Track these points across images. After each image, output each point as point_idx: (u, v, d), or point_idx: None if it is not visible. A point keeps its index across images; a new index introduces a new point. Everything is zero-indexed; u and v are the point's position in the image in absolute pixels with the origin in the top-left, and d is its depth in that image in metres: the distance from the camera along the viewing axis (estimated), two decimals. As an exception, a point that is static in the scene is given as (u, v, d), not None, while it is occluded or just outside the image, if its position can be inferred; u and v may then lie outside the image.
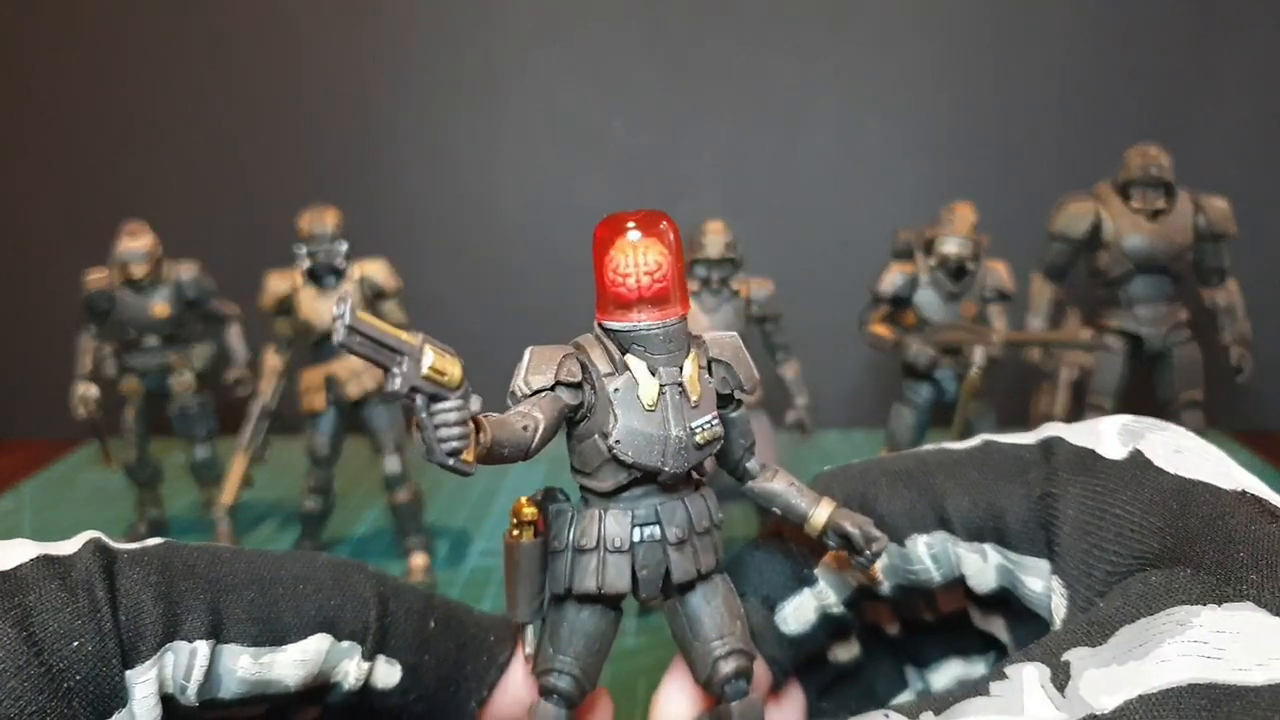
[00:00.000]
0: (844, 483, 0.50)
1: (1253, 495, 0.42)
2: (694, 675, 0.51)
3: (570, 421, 0.50)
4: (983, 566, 0.47)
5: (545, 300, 1.65)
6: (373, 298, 1.15)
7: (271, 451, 1.21)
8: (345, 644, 0.46)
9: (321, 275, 1.13)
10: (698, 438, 0.49)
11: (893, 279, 1.09)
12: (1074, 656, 0.39)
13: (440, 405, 0.42)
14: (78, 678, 0.39)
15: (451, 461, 0.41)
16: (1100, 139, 1.51)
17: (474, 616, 0.52)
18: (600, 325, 0.51)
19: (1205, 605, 0.37)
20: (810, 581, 0.49)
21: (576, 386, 0.49)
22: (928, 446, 0.51)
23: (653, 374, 0.49)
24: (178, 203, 1.61)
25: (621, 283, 0.50)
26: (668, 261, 0.51)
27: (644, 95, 1.59)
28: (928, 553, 0.48)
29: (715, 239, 0.99)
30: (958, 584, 0.49)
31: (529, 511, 0.51)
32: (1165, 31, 1.53)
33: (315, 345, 1.14)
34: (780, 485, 0.53)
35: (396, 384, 0.41)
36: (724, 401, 0.52)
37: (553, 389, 0.48)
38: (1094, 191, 1.20)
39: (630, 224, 0.51)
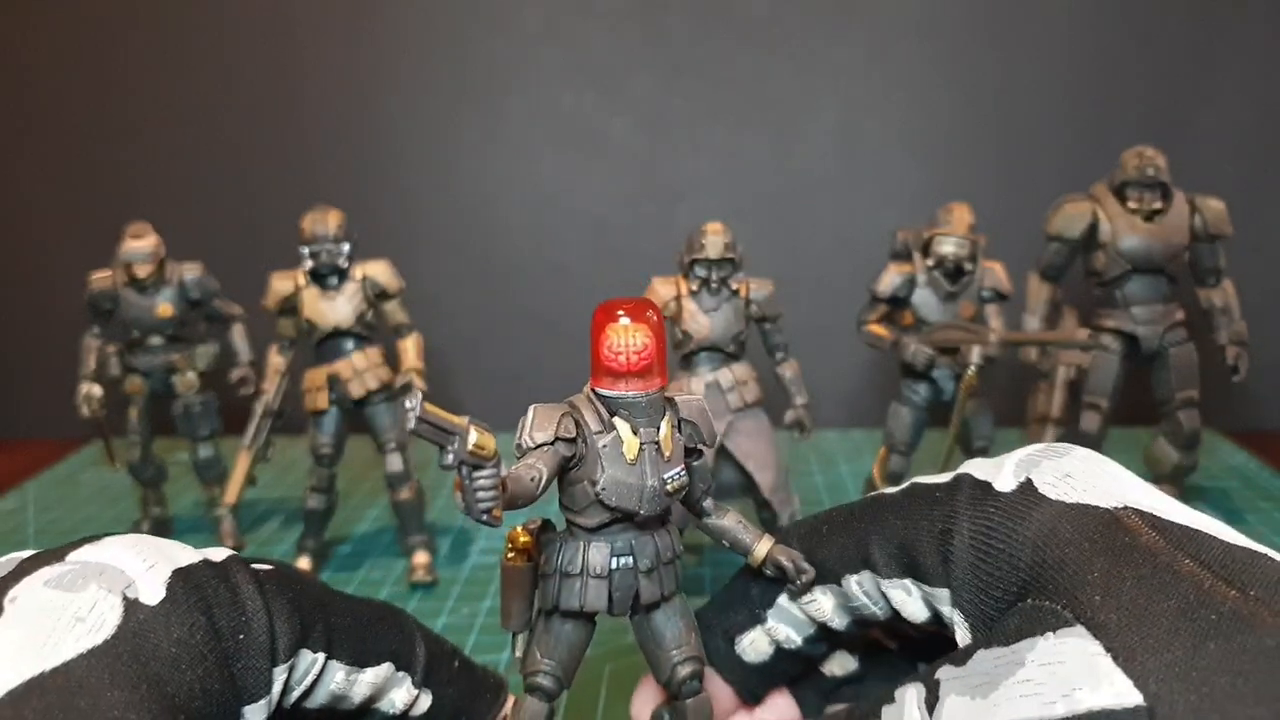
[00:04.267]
0: (800, 533, 0.57)
1: (1134, 510, 0.42)
2: (656, 677, 0.63)
3: (564, 469, 0.59)
4: (907, 599, 0.50)
5: (546, 301, 1.66)
6: (375, 298, 1.16)
7: (274, 450, 1.22)
8: (400, 674, 0.55)
9: (324, 276, 1.14)
10: (668, 486, 0.60)
11: (891, 279, 1.10)
12: (943, 676, 0.41)
13: (479, 474, 0.52)
14: (239, 665, 0.46)
15: (485, 518, 0.51)
16: (1096, 140, 1.52)
17: (479, 665, 0.63)
18: (594, 390, 0.61)
19: (1043, 635, 0.38)
20: (762, 620, 0.56)
21: (572, 441, 0.59)
22: (868, 495, 0.57)
23: (635, 433, 0.60)
24: (182, 204, 1.62)
25: (614, 358, 0.60)
26: (653, 343, 0.60)
27: (645, 98, 1.60)
28: (860, 590, 0.52)
29: (715, 239, 1.00)
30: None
31: (524, 540, 0.62)
32: (1161, 34, 1.54)
33: (318, 345, 1.15)
34: (730, 522, 0.65)
35: (449, 459, 0.51)
36: (689, 454, 0.63)
37: (553, 443, 0.58)
38: (1090, 192, 1.20)
39: (623, 311, 0.60)
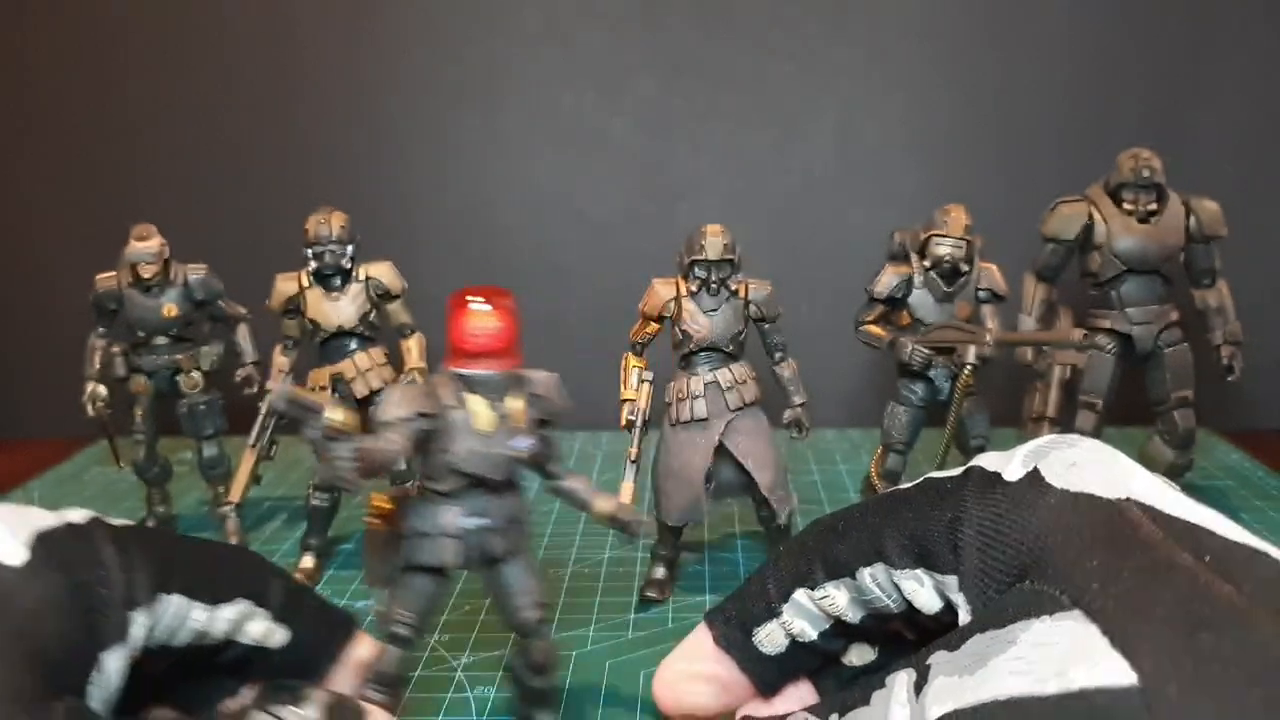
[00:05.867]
0: (817, 530, 0.58)
1: (1136, 502, 0.43)
2: (507, 622, 0.72)
3: (423, 440, 0.66)
4: (919, 589, 0.51)
5: (546, 301, 1.67)
6: (379, 298, 1.18)
7: (278, 450, 1.23)
8: (258, 609, 0.61)
9: (328, 277, 1.15)
10: (519, 454, 0.68)
11: (888, 280, 1.11)
12: (935, 660, 0.42)
13: (338, 445, 0.61)
14: (96, 616, 0.51)
15: (344, 482, 0.61)
16: (1092, 143, 1.53)
17: (331, 604, 0.68)
18: (451, 369, 0.68)
19: (1039, 618, 0.39)
20: (778, 614, 0.57)
21: (429, 416, 0.66)
22: (883, 492, 0.59)
23: (488, 408, 0.67)
24: (186, 205, 1.63)
25: (468, 340, 0.67)
26: (507, 326, 0.67)
27: (645, 98, 1.61)
28: (873, 582, 0.53)
29: (714, 240, 1.01)
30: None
31: (386, 506, 0.70)
32: (1159, 35, 1.55)
33: (321, 345, 1.17)
34: (578, 484, 0.75)
35: (312, 433, 0.62)
36: (541, 424, 0.71)
37: (411, 419, 0.65)
38: (1086, 194, 1.22)
39: (477, 297, 0.67)
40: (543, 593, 0.72)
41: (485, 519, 0.69)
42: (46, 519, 0.53)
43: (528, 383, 0.70)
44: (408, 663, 0.67)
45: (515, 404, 0.69)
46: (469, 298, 0.67)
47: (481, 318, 0.67)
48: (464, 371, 0.68)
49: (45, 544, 0.51)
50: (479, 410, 0.67)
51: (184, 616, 0.56)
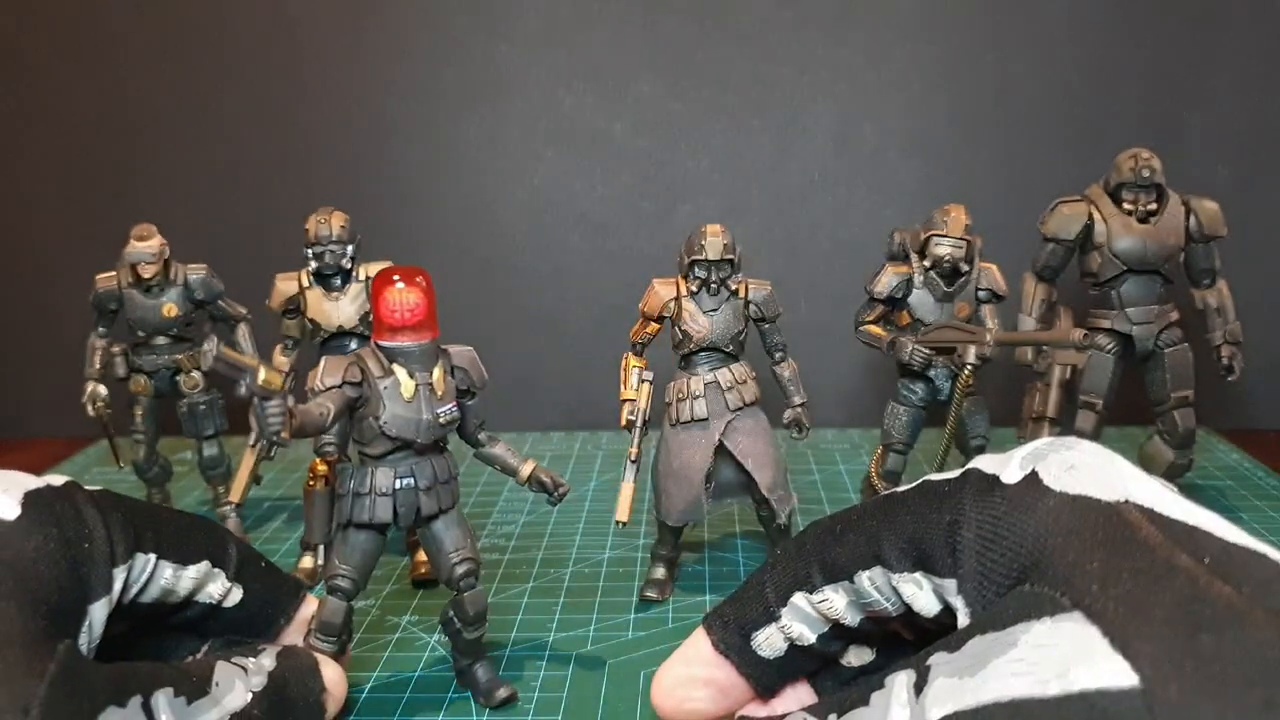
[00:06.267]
0: (815, 533, 0.58)
1: (1135, 504, 0.43)
2: (439, 577, 0.80)
3: (352, 408, 0.74)
4: (918, 593, 0.51)
5: (546, 302, 1.67)
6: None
7: (278, 450, 1.23)
8: (216, 570, 0.67)
9: (328, 277, 1.15)
10: (441, 420, 0.76)
11: (888, 280, 1.11)
12: (935, 661, 0.42)
13: (269, 404, 0.66)
14: (85, 569, 0.56)
15: (275, 438, 0.67)
16: (1092, 143, 1.53)
17: (281, 570, 0.75)
18: (376, 343, 0.75)
19: (1039, 619, 0.39)
20: (776, 618, 0.58)
21: (357, 384, 0.73)
22: (881, 494, 0.58)
23: (411, 377, 0.74)
24: (186, 206, 1.63)
25: (391, 314, 0.74)
26: (424, 302, 0.74)
27: (645, 99, 1.61)
28: (871, 586, 0.53)
29: (714, 240, 1.01)
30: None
31: (322, 469, 0.78)
32: (1157, 36, 1.55)
33: (322, 345, 1.17)
34: (499, 450, 0.84)
35: (242, 391, 0.66)
36: (464, 394, 0.79)
37: (340, 386, 0.72)
38: (1086, 194, 1.22)
39: (397, 275, 0.74)
40: (472, 548, 0.80)
41: (412, 479, 0.76)
42: (31, 480, 0.58)
43: (448, 355, 0.78)
44: (349, 614, 0.75)
45: (436, 374, 0.76)
46: (395, 276, 0.74)
47: (401, 294, 0.73)
48: (387, 344, 0.75)
49: (35, 502, 0.55)
50: (403, 380, 0.74)
51: (155, 574, 0.62)
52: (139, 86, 1.63)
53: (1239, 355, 1.24)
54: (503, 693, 0.81)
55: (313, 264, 1.14)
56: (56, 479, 0.59)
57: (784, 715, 0.54)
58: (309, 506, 0.78)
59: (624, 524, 0.98)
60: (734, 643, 0.59)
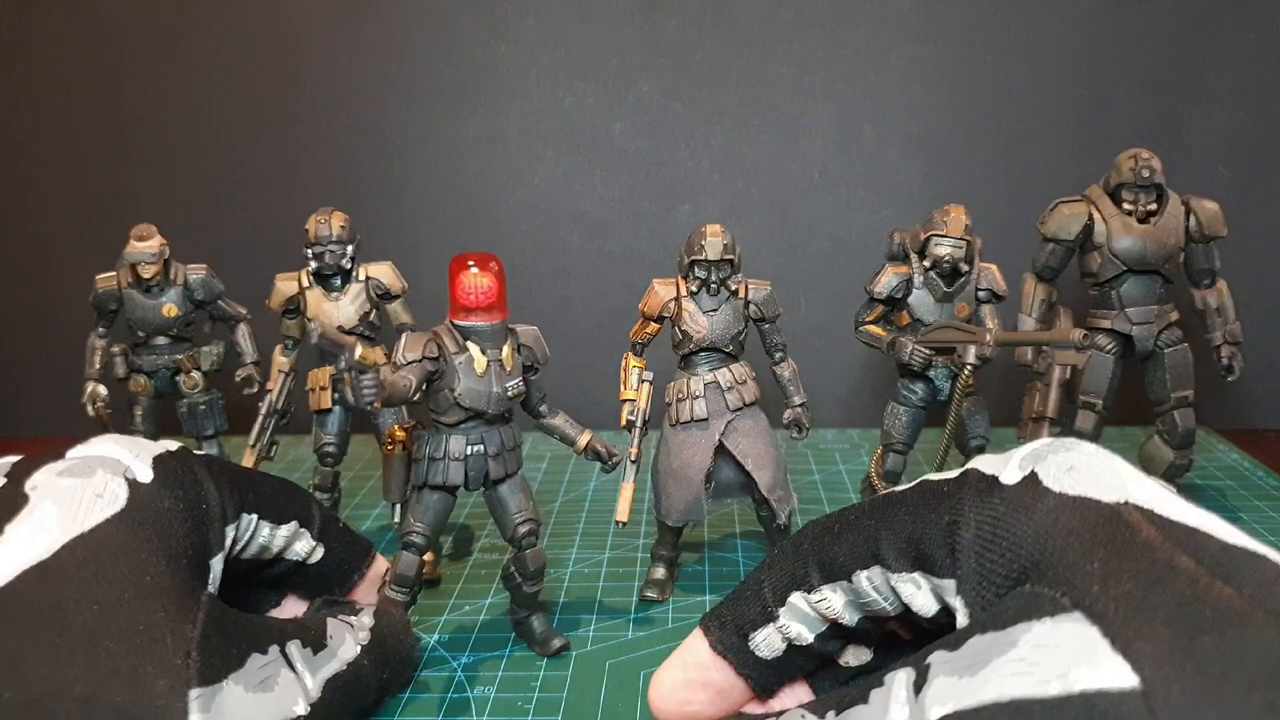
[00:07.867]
0: (814, 532, 0.58)
1: (1135, 506, 0.43)
2: (503, 535, 0.88)
3: (430, 380, 0.81)
4: (917, 593, 0.51)
5: (546, 302, 1.67)
6: (379, 298, 1.18)
7: (279, 449, 1.23)
8: (303, 530, 0.73)
9: (328, 277, 1.15)
10: (509, 393, 0.84)
11: (888, 280, 1.11)
12: (935, 660, 0.42)
13: (364, 377, 0.75)
14: (206, 526, 0.61)
15: (369, 407, 0.76)
16: (1091, 143, 1.53)
17: (354, 531, 0.82)
18: (451, 322, 0.83)
19: (1040, 620, 0.39)
20: (774, 618, 0.58)
21: (435, 359, 0.80)
22: (880, 494, 0.58)
23: (483, 353, 0.82)
24: (186, 206, 1.64)
25: (466, 297, 0.82)
26: (496, 286, 0.82)
27: (645, 100, 1.61)
28: (870, 585, 0.53)
29: (714, 241, 1.01)
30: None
31: (400, 434, 0.85)
32: (1156, 37, 1.55)
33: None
34: (559, 421, 0.93)
35: (343, 365, 0.80)
36: (528, 370, 0.88)
37: (420, 361, 0.79)
38: (1085, 194, 1.22)
39: (472, 262, 0.82)
40: (534, 509, 0.88)
41: (482, 446, 0.83)
42: (154, 446, 0.63)
43: (516, 334, 0.86)
44: (420, 567, 0.83)
45: (505, 351, 0.83)
46: (470, 262, 0.81)
47: (475, 278, 0.81)
48: (462, 323, 0.82)
49: (163, 464, 0.61)
50: (476, 356, 0.81)
51: (255, 533, 0.68)
52: (139, 86, 1.63)
53: (1239, 355, 1.24)
54: (557, 643, 0.88)
55: (313, 264, 1.14)
56: (171, 444, 0.65)
57: (782, 713, 0.54)
58: (387, 469, 0.85)
59: (624, 524, 0.98)
60: (732, 643, 0.58)
